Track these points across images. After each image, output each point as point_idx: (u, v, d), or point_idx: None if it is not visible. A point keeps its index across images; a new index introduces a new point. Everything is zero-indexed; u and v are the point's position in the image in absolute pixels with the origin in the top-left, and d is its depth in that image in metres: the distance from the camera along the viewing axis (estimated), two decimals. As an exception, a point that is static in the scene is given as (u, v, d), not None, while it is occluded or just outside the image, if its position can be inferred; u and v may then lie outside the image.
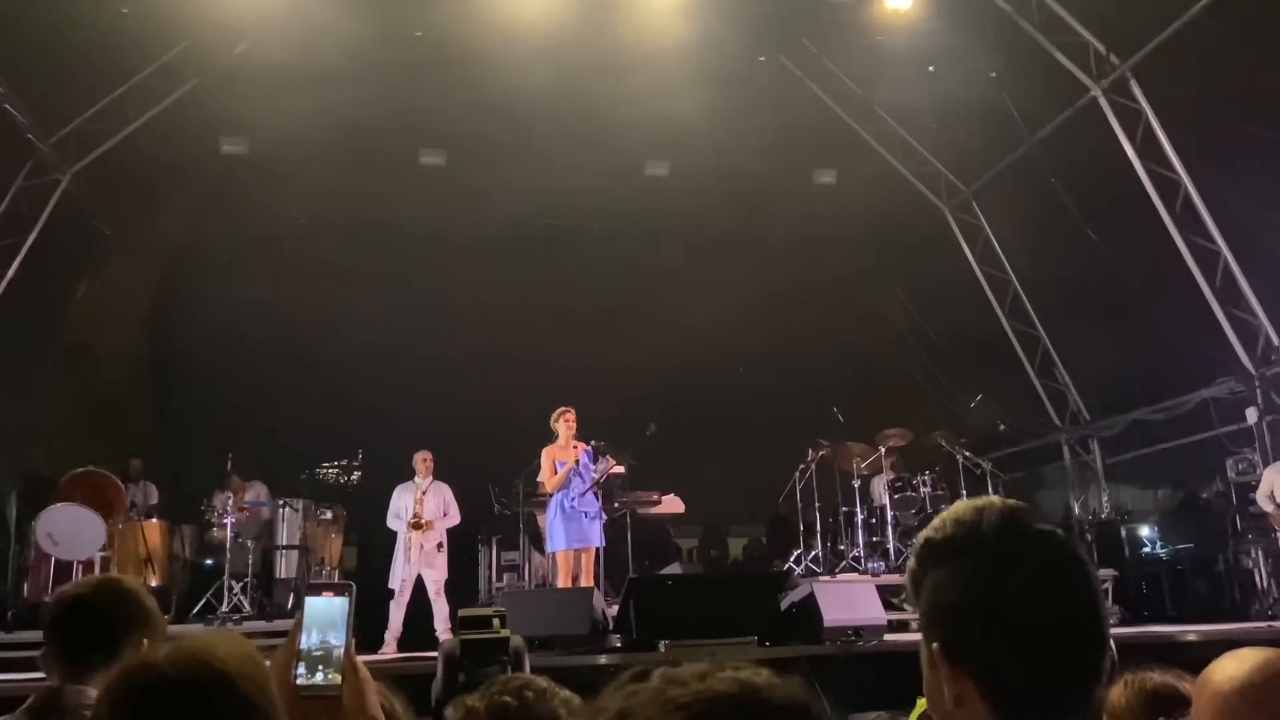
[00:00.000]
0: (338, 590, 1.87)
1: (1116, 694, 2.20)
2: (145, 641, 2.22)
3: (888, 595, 8.75)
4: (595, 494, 8.73)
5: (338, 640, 1.76)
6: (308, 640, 1.77)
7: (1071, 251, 11.46)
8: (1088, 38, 10.29)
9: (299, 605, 1.82)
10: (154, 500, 10.56)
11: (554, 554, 8.74)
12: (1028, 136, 11.37)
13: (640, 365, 12.41)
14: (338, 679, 1.73)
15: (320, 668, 1.76)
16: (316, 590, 1.93)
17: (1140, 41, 9.93)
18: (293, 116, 10.45)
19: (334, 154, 11.17)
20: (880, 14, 10.62)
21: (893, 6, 10.50)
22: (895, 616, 8.92)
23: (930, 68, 11.38)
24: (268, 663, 1.72)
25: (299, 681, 1.75)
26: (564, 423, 8.86)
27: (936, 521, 1.24)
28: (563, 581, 8.53)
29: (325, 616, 1.80)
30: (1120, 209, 10.83)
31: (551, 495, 8.75)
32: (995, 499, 1.25)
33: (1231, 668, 1.58)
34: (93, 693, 2.09)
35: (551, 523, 8.67)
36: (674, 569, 10.09)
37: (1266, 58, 8.97)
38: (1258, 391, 10.20)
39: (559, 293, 13.18)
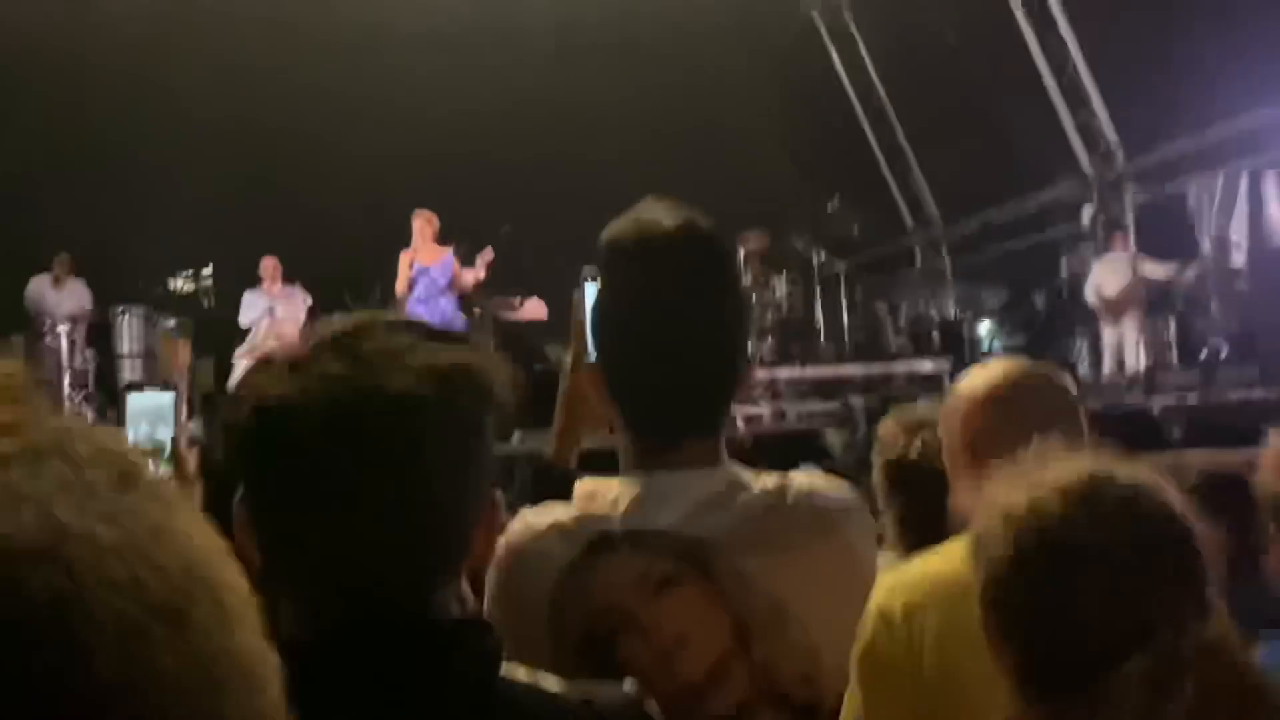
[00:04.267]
0: (162, 387, 1.82)
1: (885, 426, 2.31)
2: None
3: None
4: (454, 300, 8.57)
5: (167, 434, 1.72)
6: (136, 433, 1.72)
7: (934, 56, 11.49)
8: None
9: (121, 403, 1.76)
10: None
11: None
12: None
13: (500, 167, 12.11)
14: (168, 471, 1.70)
15: (150, 460, 1.73)
16: (138, 387, 1.89)
17: None
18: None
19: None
20: None
21: None
22: (751, 411, 9.30)
23: None
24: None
25: None
26: (418, 225, 8.59)
27: None
28: None
29: (153, 410, 1.75)
30: (981, 10, 10.83)
31: (401, 300, 8.53)
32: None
33: (978, 378, 1.63)
34: None
35: None
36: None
37: None
38: (1094, 192, 10.63)
39: (424, 100, 12.59)
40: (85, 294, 9.81)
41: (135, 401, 1.80)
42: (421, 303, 8.34)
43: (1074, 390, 1.62)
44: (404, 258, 8.52)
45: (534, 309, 11.10)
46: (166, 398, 1.79)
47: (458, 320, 8.59)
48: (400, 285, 8.47)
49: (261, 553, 0.89)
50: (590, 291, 1.35)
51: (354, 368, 0.84)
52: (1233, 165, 9.84)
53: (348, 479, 0.83)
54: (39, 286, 9.64)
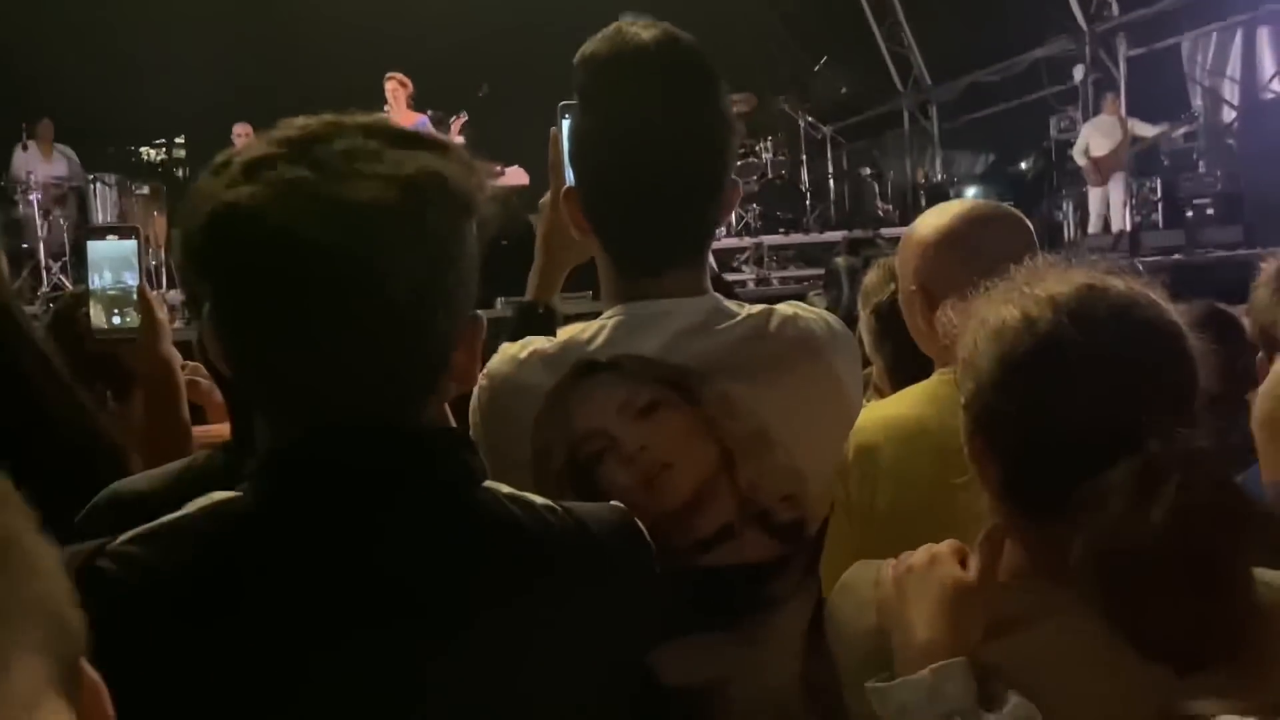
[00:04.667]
0: (122, 233, 1.77)
1: (870, 274, 2.29)
2: None
3: (723, 257, 9.01)
4: None
5: (132, 280, 1.68)
6: (100, 280, 1.67)
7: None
8: None
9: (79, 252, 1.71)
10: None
11: None
12: None
13: (469, 26, 11.69)
14: (136, 319, 1.66)
15: (116, 310, 1.68)
16: (99, 234, 1.82)
17: None
18: None
19: None
20: None
21: None
22: (735, 277, 9.27)
23: None
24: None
25: (97, 325, 1.68)
26: (391, 88, 8.37)
27: None
28: None
29: (116, 257, 1.70)
30: None
31: None
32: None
33: (933, 217, 1.61)
34: None
35: None
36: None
37: None
38: (1087, 49, 10.39)
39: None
40: (67, 162, 9.58)
41: (96, 250, 1.74)
42: None
43: (1030, 229, 1.59)
44: None
45: (515, 175, 10.91)
46: (129, 244, 1.73)
47: None
48: None
49: (231, 366, 0.87)
50: (568, 126, 1.29)
51: (314, 172, 0.80)
52: (1228, 19, 9.62)
53: (306, 292, 0.79)
54: (21, 154, 9.41)
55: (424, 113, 8.58)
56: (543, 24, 12.34)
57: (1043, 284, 0.95)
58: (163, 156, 11.23)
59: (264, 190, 0.79)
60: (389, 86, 8.36)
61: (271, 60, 11.54)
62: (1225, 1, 9.53)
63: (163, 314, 1.72)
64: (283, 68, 11.50)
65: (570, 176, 1.25)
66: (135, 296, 1.68)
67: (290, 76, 11.39)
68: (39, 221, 8.65)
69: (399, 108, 8.35)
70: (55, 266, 8.67)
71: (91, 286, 1.68)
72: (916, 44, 13.05)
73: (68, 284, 8.69)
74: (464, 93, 9.04)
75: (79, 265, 9.03)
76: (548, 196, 1.38)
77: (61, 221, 8.82)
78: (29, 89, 10.19)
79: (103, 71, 10.80)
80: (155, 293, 1.80)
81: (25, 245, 9.02)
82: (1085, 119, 10.25)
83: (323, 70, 11.20)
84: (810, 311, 1.24)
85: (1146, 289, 0.96)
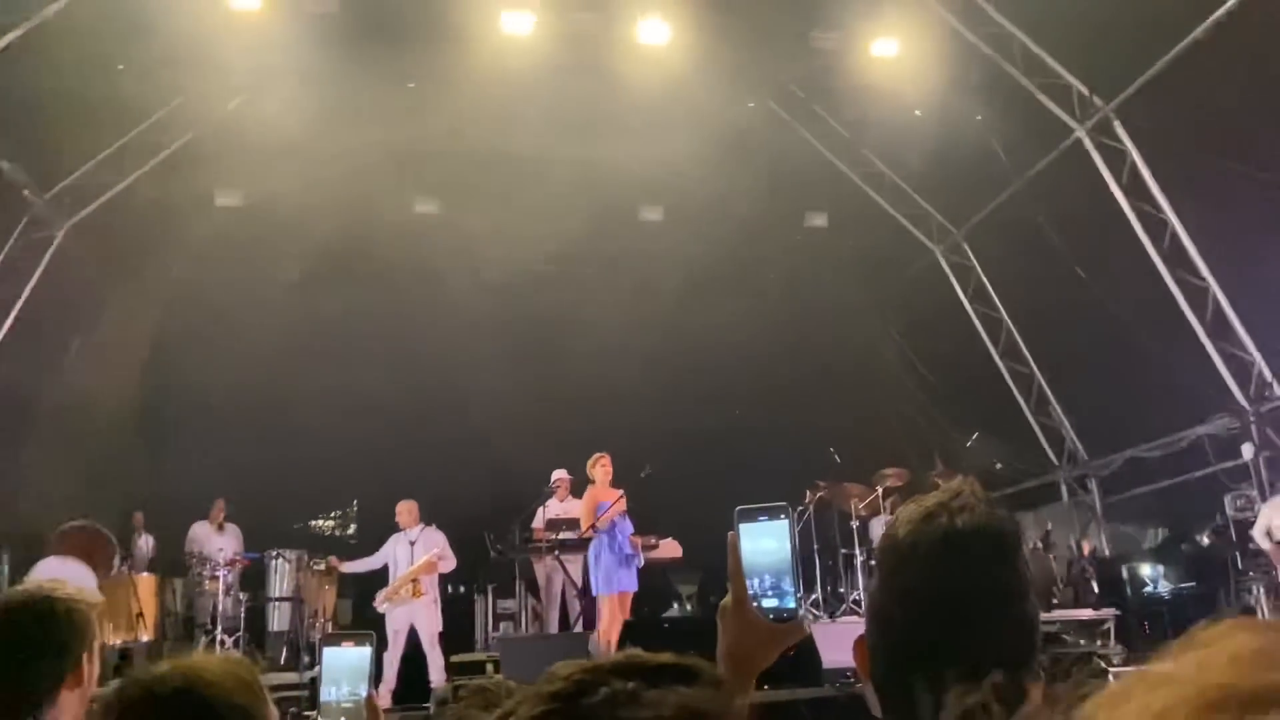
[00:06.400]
0: (358, 640, 1.79)
1: None
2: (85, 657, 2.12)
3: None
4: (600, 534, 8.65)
5: (362, 690, 1.70)
6: (335, 692, 1.69)
7: (1063, 290, 11.49)
8: (1069, 79, 10.41)
9: (308, 655, 1.79)
10: (152, 554, 10.51)
11: (601, 596, 8.43)
12: (1015, 177, 11.46)
13: (635, 408, 12.38)
14: None
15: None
16: (334, 640, 1.83)
17: (1123, 82, 10.05)
18: (286, 168, 10.54)
19: (328, 205, 11.24)
20: (866, 59, 10.76)
21: (878, 54, 10.65)
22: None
23: (917, 111, 11.50)
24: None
25: None
26: (600, 467, 8.77)
27: None
28: (607, 624, 8.23)
29: (350, 666, 1.72)
30: (1109, 247, 10.88)
31: (593, 536, 8.56)
32: None
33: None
34: None
35: (594, 564, 8.46)
36: (672, 613, 9.97)
37: (1247, 96, 9.07)
38: (1253, 427, 10.18)
39: (554, 338, 13.18)
40: (238, 538, 10.25)
41: (332, 657, 1.76)
42: (620, 540, 8.43)
43: None
44: (589, 496, 8.71)
45: (670, 549, 11.04)
46: (364, 652, 1.75)
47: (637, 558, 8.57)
48: (585, 522, 8.60)
49: None
50: (746, 532, 1.33)
51: None
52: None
53: None
54: (201, 531, 10.14)
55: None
56: (691, 403, 13.04)
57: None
58: (338, 530, 11.86)
59: None
60: (599, 466, 8.70)
61: (449, 433, 12.37)
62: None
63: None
64: (460, 443, 12.30)
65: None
66: (362, 708, 1.69)
67: (465, 451, 12.17)
68: (221, 597, 9.08)
69: (604, 481, 8.66)
70: (229, 641, 8.98)
71: (324, 698, 1.69)
72: (1067, 419, 13.07)
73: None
74: (630, 469, 9.43)
75: (257, 648, 9.38)
76: (729, 599, 1.36)
77: (240, 598, 9.24)
78: (209, 471, 11.16)
79: (283, 454, 11.76)
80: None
81: (198, 619, 9.44)
82: (1262, 498, 9.84)
83: (493, 447, 11.94)
84: None
85: None
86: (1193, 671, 0.45)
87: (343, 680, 1.73)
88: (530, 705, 0.91)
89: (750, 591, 1.35)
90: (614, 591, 8.27)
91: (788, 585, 1.37)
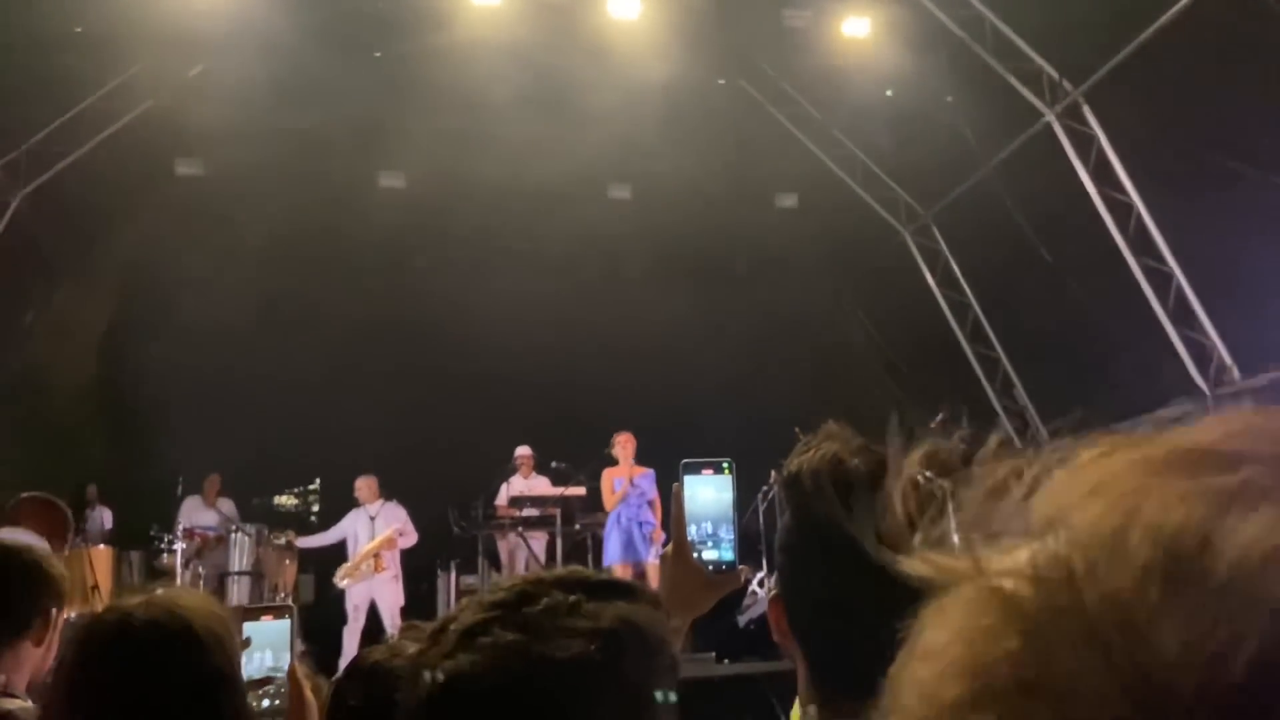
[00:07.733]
0: (277, 613, 1.81)
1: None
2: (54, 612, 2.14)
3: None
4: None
5: (284, 660, 1.70)
6: (258, 662, 1.69)
7: (1029, 274, 11.56)
8: (1040, 63, 10.43)
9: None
10: (109, 525, 10.36)
11: (608, 567, 8.73)
12: (984, 161, 11.49)
13: (600, 388, 12.33)
14: (284, 701, 1.67)
15: (267, 695, 1.70)
16: (254, 614, 1.85)
17: (1093, 67, 10.08)
18: (249, 138, 10.36)
19: (290, 176, 11.06)
20: (838, 39, 10.73)
21: (850, 33, 10.62)
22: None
23: (888, 92, 11.49)
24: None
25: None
26: (620, 446, 9.03)
27: None
28: None
29: (272, 637, 1.72)
30: (1075, 232, 10.95)
31: (609, 512, 9.04)
32: None
33: None
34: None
35: (607, 536, 8.96)
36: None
37: (1218, 84, 9.12)
38: (1210, 412, 10.28)
39: (519, 315, 13.09)
40: (218, 515, 10.15)
41: (251, 631, 1.76)
42: (632, 511, 8.83)
43: None
44: (606, 475, 9.01)
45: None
46: (284, 624, 1.75)
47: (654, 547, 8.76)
48: (607, 499, 8.93)
49: None
50: (689, 484, 1.38)
51: (524, 634, 0.89)
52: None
53: None
54: (190, 506, 10.04)
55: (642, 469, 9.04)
56: (659, 390, 13.03)
57: None
58: (299, 505, 11.75)
59: (483, 659, 0.88)
60: (619, 445, 8.88)
61: (411, 409, 12.28)
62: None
63: (310, 694, 1.71)
64: (423, 418, 12.21)
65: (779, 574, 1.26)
66: (284, 680, 1.68)
67: (427, 427, 12.08)
68: (180, 570, 8.99)
69: (624, 460, 8.95)
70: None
71: (245, 673, 1.69)
72: (1030, 401, 13.17)
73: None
74: (594, 449, 9.42)
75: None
76: (670, 547, 1.40)
77: (200, 570, 9.15)
78: (183, 450, 11.02)
79: (259, 429, 11.64)
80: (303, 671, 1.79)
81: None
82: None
83: (456, 425, 11.87)
84: None
85: None
86: (1174, 437, 0.41)
87: (266, 649, 1.75)
88: (473, 612, 0.94)
89: (690, 538, 1.39)
90: (613, 562, 8.70)
91: (725, 533, 1.41)
